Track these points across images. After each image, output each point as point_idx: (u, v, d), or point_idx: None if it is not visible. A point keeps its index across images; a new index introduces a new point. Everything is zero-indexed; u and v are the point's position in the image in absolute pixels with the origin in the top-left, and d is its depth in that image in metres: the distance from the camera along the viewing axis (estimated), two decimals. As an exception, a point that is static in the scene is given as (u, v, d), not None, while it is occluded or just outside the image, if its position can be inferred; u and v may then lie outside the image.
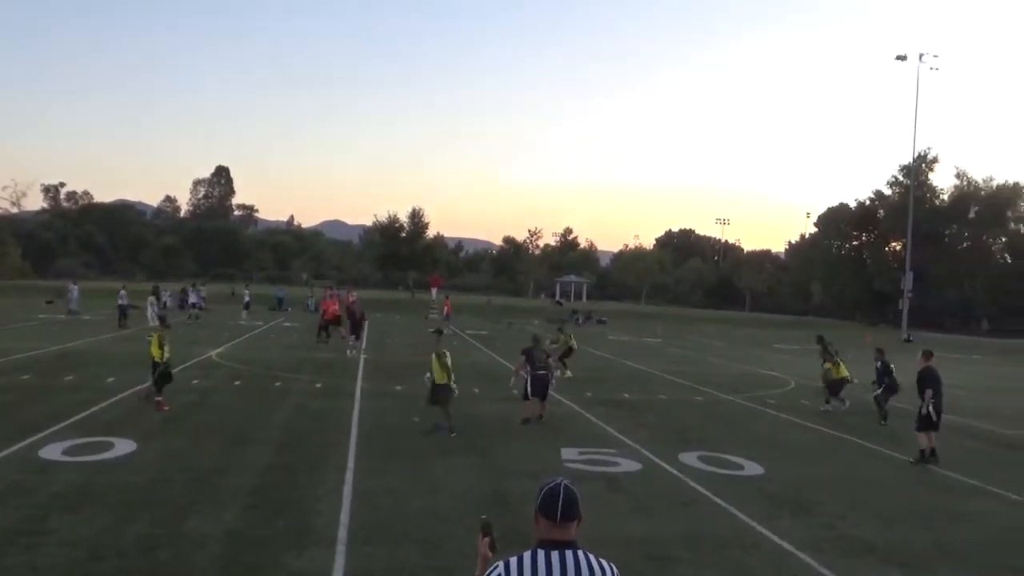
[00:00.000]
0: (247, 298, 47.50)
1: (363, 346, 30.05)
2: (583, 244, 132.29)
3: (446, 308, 49.41)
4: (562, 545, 3.27)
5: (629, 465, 12.94)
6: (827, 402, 20.88)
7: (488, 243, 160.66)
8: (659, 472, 12.68)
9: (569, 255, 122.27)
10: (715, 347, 43.62)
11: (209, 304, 50.49)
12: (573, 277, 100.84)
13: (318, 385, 20.22)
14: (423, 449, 13.37)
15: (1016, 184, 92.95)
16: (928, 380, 14.89)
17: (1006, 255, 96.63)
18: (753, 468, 13.26)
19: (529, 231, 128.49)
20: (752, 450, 14.71)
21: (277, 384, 19.92)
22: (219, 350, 27.10)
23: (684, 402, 20.89)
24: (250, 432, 14.04)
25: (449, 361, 14.91)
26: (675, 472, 12.66)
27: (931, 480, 13.43)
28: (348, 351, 28.32)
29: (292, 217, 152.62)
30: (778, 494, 11.59)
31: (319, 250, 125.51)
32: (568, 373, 24.28)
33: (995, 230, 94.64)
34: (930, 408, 14.58)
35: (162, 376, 16.05)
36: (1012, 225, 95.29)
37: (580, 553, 3.26)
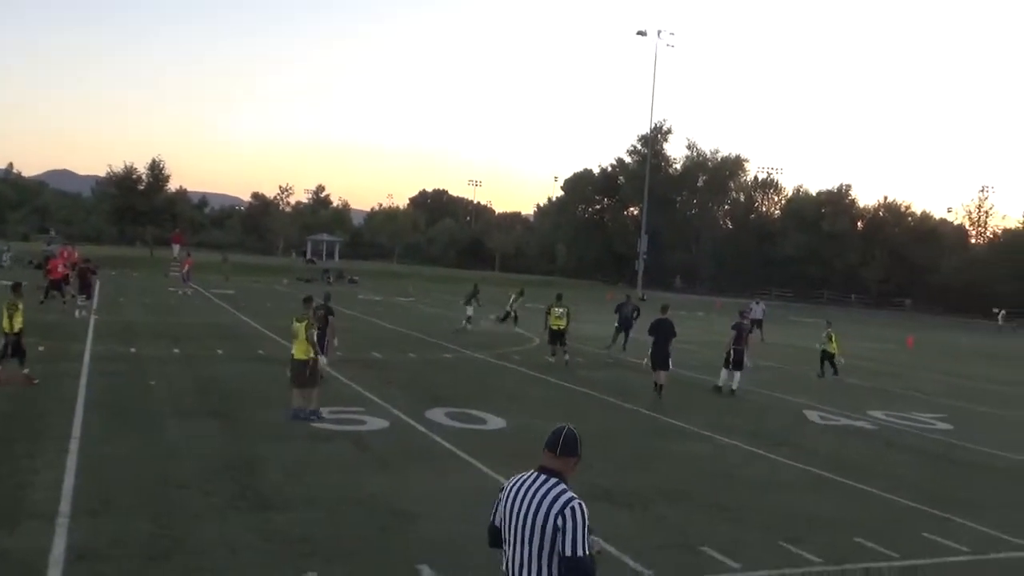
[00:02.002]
0: None
1: (94, 306, 27.94)
2: (336, 203, 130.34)
3: (187, 266, 47.01)
4: (550, 472, 4.12)
5: (376, 423, 12.99)
6: (553, 354, 22.25)
7: (236, 199, 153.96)
8: (406, 429, 12.83)
9: (321, 213, 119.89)
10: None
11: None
12: (325, 236, 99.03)
13: (41, 348, 18.53)
14: (159, 414, 12.69)
15: (738, 157, 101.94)
16: (654, 329, 18.00)
17: (727, 221, 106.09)
18: (496, 422, 13.74)
19: (280, 188, 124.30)
20: (496, 405, 15.22)
21: (-10, 348, 18.06)
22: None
23: (433, 360, 21.23)
24: (-44, 401, 12.66)
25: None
26: (422, 428, 12.85)
27: (656, 427, 14.55)
28: (76, 311, 26.22)
29: (11, 165, 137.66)
30: (519, 447, 12.06)
31: (43, 202, 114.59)
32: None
33: (719, 198, 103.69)
34: (650, 351, 17.86)
35: (15, 349, 14.48)
36: (733, 194, 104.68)
37: (559, 483, 4.08)
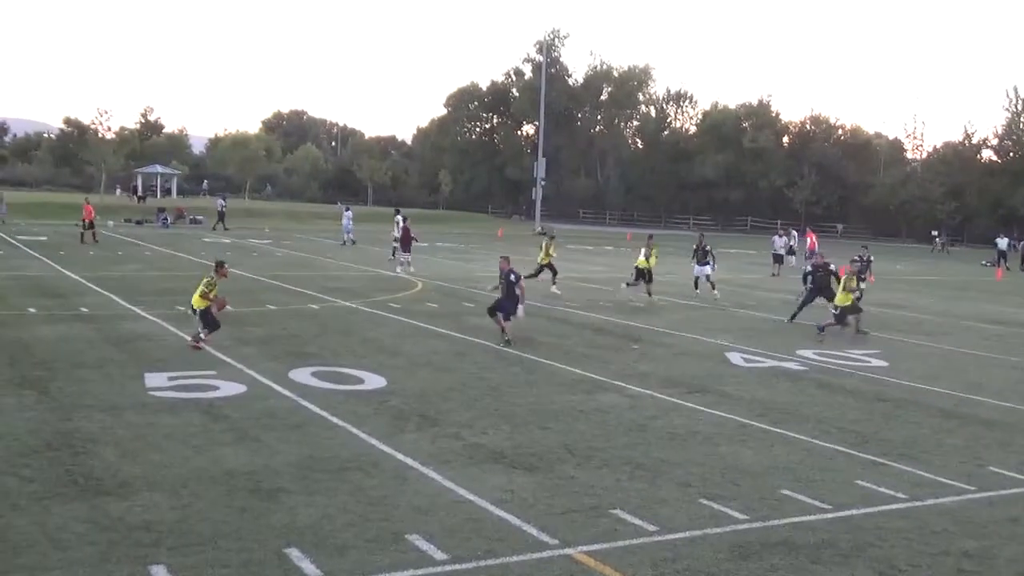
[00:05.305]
0: None
1: None
2: (171, 129, 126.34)
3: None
4: None
5: (230, 388, 12.82)
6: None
7: (44, 125, 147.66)
8: (266, 393, 12.71)
9: (153, 141, 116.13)
10: (331, 248, 44.15)
11: None
12: (159, 167, 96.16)
13: None
14: (-41, 388, 12.23)
15: (646, 67, 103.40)
16: None
17: (637, 140, 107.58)
18: (374, 381, 13.74)
19: (98, 111, 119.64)
20: (374, 361, 15.23)
21: None
22: None
23: (297, 312, 21.02)
24: None
25: None
26: (285, 392, 12.76)
27: (558, 378, 14.78)
28: None
29: None
30: (402, 407, 12.12)
31: None
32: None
33: (626, 113, 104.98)
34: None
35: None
36: (643, 108, 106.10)
37: None
